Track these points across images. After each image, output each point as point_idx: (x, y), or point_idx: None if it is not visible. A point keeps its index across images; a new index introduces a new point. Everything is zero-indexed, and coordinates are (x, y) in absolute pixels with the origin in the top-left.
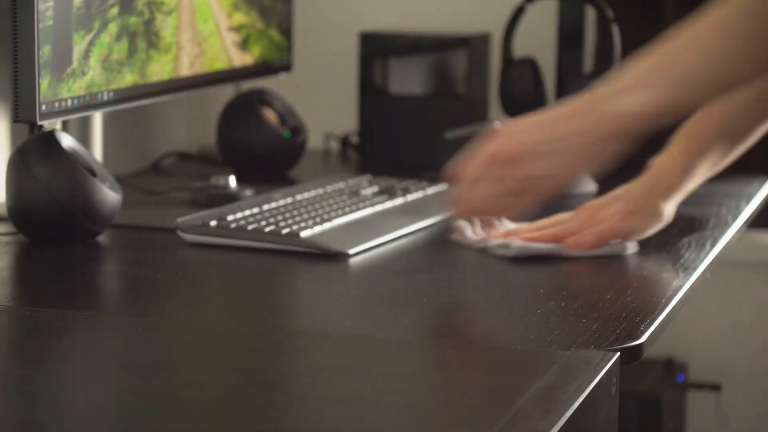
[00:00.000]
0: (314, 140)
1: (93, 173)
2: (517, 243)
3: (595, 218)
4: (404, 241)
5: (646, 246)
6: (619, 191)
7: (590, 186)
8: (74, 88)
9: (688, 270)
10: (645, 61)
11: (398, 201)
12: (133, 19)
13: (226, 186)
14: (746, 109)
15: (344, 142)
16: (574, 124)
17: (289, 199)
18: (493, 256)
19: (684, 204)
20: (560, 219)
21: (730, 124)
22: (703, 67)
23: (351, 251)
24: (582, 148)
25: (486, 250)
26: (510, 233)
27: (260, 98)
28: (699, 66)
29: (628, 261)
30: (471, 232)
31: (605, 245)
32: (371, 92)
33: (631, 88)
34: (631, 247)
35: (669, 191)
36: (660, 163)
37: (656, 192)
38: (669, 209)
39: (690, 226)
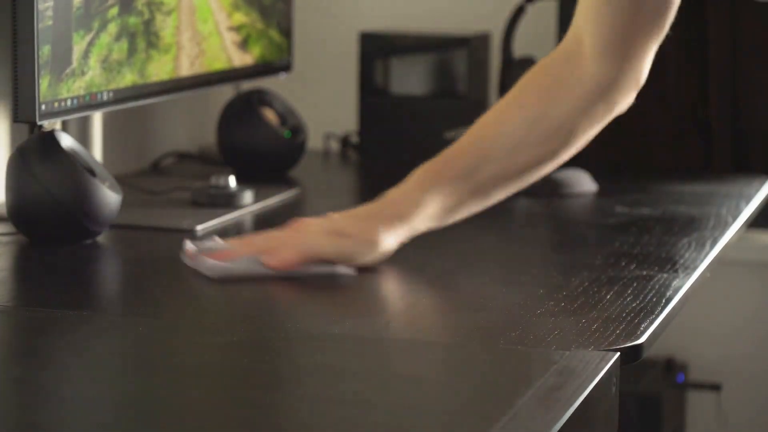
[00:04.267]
0: (314, 140)
1: (93, 173)
2: (214, 264)
3: (301, 235)
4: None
5: (645, 245)
6: (339, 213)
7: (590, 185)
8: (74, 88)
9: (688, 270)
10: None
11: None
12: (132, 19)
13: (226, 186)
14: (494, 159)
15: (344, 142)
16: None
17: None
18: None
19: (684, 204)
20: (269, 234)
21: (473, 170)
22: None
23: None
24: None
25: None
26: (215, 255)
27: (260, 98)
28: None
29: (622, 260)
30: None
31: (308, 265)
32: (371, 92)
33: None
34: (343, 269)
35: (391, 221)
36: (392, 194)
37: (376, 218)
38: (389, 240)
39: (690, 226)
